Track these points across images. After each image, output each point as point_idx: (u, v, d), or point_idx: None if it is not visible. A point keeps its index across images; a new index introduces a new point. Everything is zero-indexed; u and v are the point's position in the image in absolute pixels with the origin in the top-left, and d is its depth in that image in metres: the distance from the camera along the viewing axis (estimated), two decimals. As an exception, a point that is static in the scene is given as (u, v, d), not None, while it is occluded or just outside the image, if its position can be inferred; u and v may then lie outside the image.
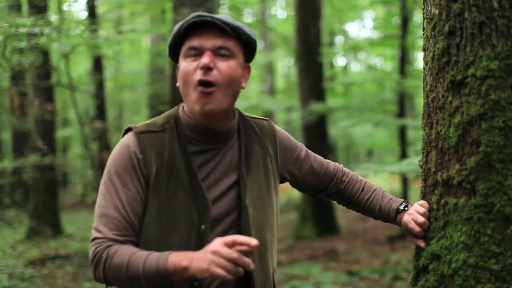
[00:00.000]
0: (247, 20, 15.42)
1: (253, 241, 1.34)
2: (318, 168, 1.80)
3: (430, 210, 1.65)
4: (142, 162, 1.52)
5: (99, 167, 6.54)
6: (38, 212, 8.26)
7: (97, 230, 1.50)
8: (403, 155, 8.28)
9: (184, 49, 1.56)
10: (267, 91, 17.35)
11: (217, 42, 1.52)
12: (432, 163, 1.64)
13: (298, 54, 9.02)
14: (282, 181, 1.79)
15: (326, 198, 1.87)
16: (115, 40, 6.61)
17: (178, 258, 1.40)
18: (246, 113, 1.72)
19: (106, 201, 1.51)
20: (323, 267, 6.28)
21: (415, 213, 1.65)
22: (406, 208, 1.71)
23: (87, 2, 6.77)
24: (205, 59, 1.50)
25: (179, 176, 1.54)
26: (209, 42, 1.52)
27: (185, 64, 1.54)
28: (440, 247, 1.57)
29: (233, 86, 1.54)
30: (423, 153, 1.71)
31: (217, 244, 1.37)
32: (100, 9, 11.05)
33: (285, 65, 22.80)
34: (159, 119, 1.62)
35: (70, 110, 12.60)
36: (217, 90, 1.51)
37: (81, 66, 13.03)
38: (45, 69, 7.51)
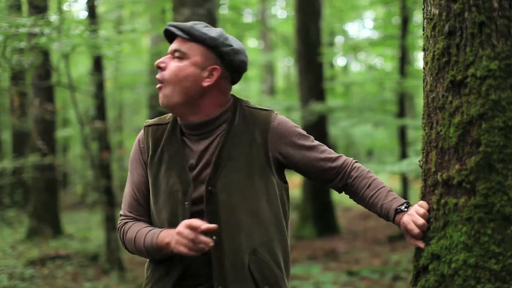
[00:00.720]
0: (247, 20, 15.43)
1: (203, 226, 1.60)
2: (323, 161, 1.82)
3: (430, 210, 1.65)
4: (142, 149, 1.85)
5: (99, 167, 6.53)
6: (38, 212, 8.25)
7: (122, 208, 1.87)
8: (403, 155, 8.28)
9: None
10: (267, 91, 17.35)
11: (174, 46, 1.79)
12: (432, 163, 1.64)
13: (298, 54, 9.02)
14: (283, 166, 1.84)
15: (337, 191, 1.90)
16: (115, 40, 6.60)
17: (164, 235, 1.70)
18: (248, 104, 1.87)
19: (127, 184, 1.88)
20: (323, 267, 6.28)
21: (414, 214, 1.64)
22: (405, 209, 1.69)
23: (87, 2, 6.75)
24: (158, 60, 1.79)
25: (170, 160, 1.79)
26: (172, 46, 1.80)
27: None
28: (440, 247, 1.57)
29: (183, 83, 1.75)
30: (423, 153, 1.71)
31: (181, 226, 1.64)
32: (100, 9, 11.04)
33: (285, 65, 22.80)
34: (169, 114, 1.89)
35: (70, 110, 12.60)
36: (164, 87, 1.77)
37: (81, 66, 13.01)
38: (45, 69, 7.50)
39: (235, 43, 1.81)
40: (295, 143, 1.81)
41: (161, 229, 1.73)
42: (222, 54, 1.77)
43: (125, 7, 11.74)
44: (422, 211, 1.63)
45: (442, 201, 1.60)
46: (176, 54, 1.77)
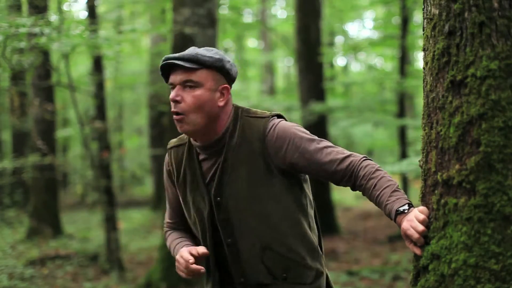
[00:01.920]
0: (247, 20, 15.43)
1: (190, 260, 1.83)
2: (329, 164, 1.83)
3: (430, 214, 1.63)
4: (170, 172, 2.03)
5: (99, 167, 6.53)
6: (38, 212, 8.25)
7: (165, 217, 2.15)
8: (403, 155, 8.28)
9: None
10: (267, 91, 17.35)
11: (183, 77, 1.83)
12: (432, 163, 1.64)
13: (298, 54, 9.02)
14: (288, 173, 1.89)
15: (352, 190, 1.92)
16: (115, 40, 6.59)
17: (179, 253, 1.92)
18: (248, 112, 1.94)
19: (166, 197, 2.10)
20: (323, 267, 6.26)
21: (414, 220, 1.61)
22: (406, 211, 1.67)
23: (87, 2, 6.75)
24: (172, 94, 1.84)
25: (192, 180, 1.95)
26: (177, 78, 1.84)
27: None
28: (440, 247, 1.57)
29: (203, 109, 1.83)
30: (423, 153, 1.71)
31: (179, 254, 1.90)
32: (100, 9, 11.03)
33: (285, 65, 22.78)
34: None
35: (70, 110, 12.60)
36: (185, 117, 1.83)
37: (81, 66, 13.01)
38: (45, 69, 7.50)
39: (227, 56, 1.92)
40: (296, 151, 1.83)
41: (184, 245, 1.96)
42: (227, 72, 1.87)
43: (125, 7, 11.74)
44: (422, 217, 1.61)
45: (442, 201, 1.60)
46: (188, 84, 1.82)
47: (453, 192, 1.57)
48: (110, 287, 5.61)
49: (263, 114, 1.92)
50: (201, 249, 1.86)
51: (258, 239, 1.89)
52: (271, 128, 1.87)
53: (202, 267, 1.85)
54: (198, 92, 1.82)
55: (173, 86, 1.85)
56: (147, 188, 15.63)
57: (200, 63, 1.82)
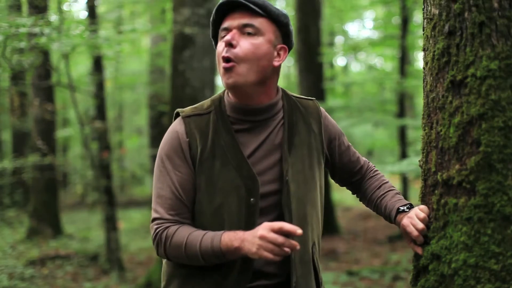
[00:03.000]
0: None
1: (298, 230, 1.45)
2: (356, 163, 1.87)
3: (430, 213, 1.64)
4: (188, 144, 1.64)
5: (99, 167, 6.53)
6: (38, 212, 8.25)
7: (156, 211, 1.64)
8: (403, 155, 8.27)
9: (219, 33, 1.68)
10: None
11: (243, 20, 1.61)
12: (432, 163, 1.64)
13: (298, 54, 9.02)
14: (326, 162, 1.84)
15: (350, 190, 1.95)
16: (115, 40, 6.60)
17: (230, 239, 1.53)
18: (291, 93, 1.80)
19: (160, 183, 1.64)
20: (323, 267, 6.27)
21: (414, 217, 1.63)
22: (407, 210, 1.70)
23: (87, 2, 6.75)
24: (227, 36, 1.60)
25: (224, 153, 1.63)
26: (235, 21, 1.62)
27: (218, 45, 1.66)
28: (440, 247, 1.57)
29: (259, 62, 1.61)
30: (423, 153, 1.71)
31: (264, 229, 1.48)
32: (100, 9, 11.03)
33: (285, 65, 22.78)
34: (205, 102, 1.73)
35: (70, 110, 12.59)
36: (237, 65, 1.60)
37: (81, 66, 13.01)
38: (45, 69, 7.50)
39: None
40: (339, 142, 1.84)
41: (221, 232, 1.56)
42: (288, 34, 1.69)
43: (125, 7, 11.73)
44: (422, 215, 1.62)
45: (442, 201, 1.60)
46: (248, 29, 1.61)
47: (453, 192, 1.57)
48: (110, 287, 5.61)
49: (306, 97, 1.80)
50: (299, 230, 1.47)
51: (311, 231, 1.70)
52: (322, 112, 1.80)
53: (297, 243, 1.50)
54: (258, 40, 1.61)
55: (227, 32, 1.63)
56: (147, 188, 15.62)
57: (267, 11, 1.62)
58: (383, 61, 17.32)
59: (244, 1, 1.60)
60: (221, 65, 1.62)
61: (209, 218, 1.63)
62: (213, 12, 1.66)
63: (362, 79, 15.28)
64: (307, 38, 8.84)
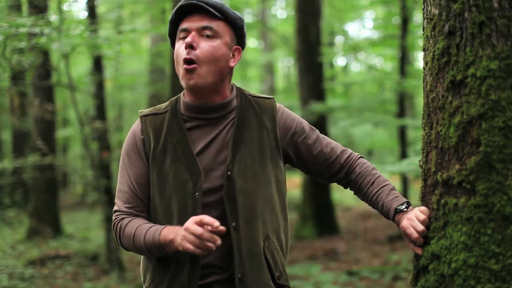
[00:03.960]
0: (247, 20, 15.41)
1: (215, 223, 1.51)
2: (328, 154, 1.83)
3: (430, 214, 1.64)
4: (142, 141, 1.76)
5: (99, 167, 6.53)
6: (38, 212, 8.25)
7: (116, 204, 1.77)
8: (403, 155, 8.27)
9: (178, 33, 1.76)
10: (267, 91, 17.35)
11: (202, 23, 1.70)
12: (432, 163, 1.64)
13: (298, 54, 9.02)
14: (288, 160, 1.84)
15: (342, 186, 1.90)
16: (115, 40, 6.60)
17: (168, 232, 1.61)
18: (248, 92, 1.85)
19: (120, 178, 1.77)
20: (323, 267, 6.27)
21: (414, 219, 1.62)
22: (405, 209, 1.68)
23: (87, 2, 6.75)
24: (188, 39, 1.68)
25: (175, 149, 1.72)
26: (195, 23, 1.70)
27: (177, 46, 1.75)
28: (440, 247, 1.57)
29: (217, 64, 1.70)
30: (423, 153, 1.71)
31: (189, 221, 1.55)
32: (100, 9, 11.03)
33: (285, 65, 22.80)
34: (165, 103, 1.84)
35: (70, 110, 12.59)
36: (199, 67, 1.68)
37: (81, 66, 13.01)
38: (45, 69, 7.50)
39: None
40: (302, 135, 1.82)
41: (163, 226, 1.64)
42: (241, 35, 1.79)
43: (125, 7, 11.74)
44: (422, 217, 1.61)
45: (442, 201, 1.60)
46: (207, 32, 1.70)
47: (453, 192, 1.57)
48: (110, 287, 5.61)
49: (264, 96, 1.86)
50: (216, 222, 1.53)
51: (262, 225, 1.73)
52: (279, 109, 1.83)
53: (219, 238, 1.54)
54: (216, 43, 1.70)
55: (187, 33, 1.71)
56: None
57: (224, 14, 1.72)
58: (383, 61, 17.33)
59: (203, 4, 1.69)
60: (181, 66, 1.70)
61: (161, 212, 1.72)
62: (173, 12, 1.74)
63: (362, 79, 15.29)
64: (307, 38, 8.84)
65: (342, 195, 12.58)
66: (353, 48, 12.44)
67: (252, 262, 1.70)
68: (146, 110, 1.82)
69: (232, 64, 1.76)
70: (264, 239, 1.73)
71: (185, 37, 1.71)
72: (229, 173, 1.70)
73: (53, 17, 6.73)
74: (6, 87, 7.32)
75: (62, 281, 5.76)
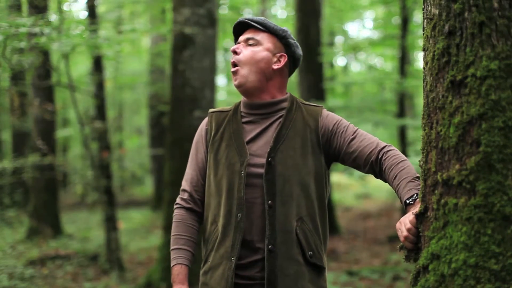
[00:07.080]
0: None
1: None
2: (363, 150, 1.98)
3: (428, 211, 1.64)
4: (205, 131, 2.14)
5: (99, 167, 6.52)
6: (38, 212, 8.25)
7: (182, 184, 2.15)
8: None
9: None
10: (267, 91, 17.31)
11: (247, 35, 2.10)
12: (432, 163, 1.64)
13: (298, 54, 9.01)
14: (328, 155, 2.05)
15: (374, 176, 2.04)
16: (115, 40, 6.60)
17: (175, 276, 2.03)
18: (301, 100, 2.14)
19: (189, 163, 2.15)
20: (323, 267, 6.26)
21: (405, 223, 1.72)
22: (412, 202, 1.77)
23: (87, 2, 6.74)
24: (233, 47, 2.09)
25: (231, 137, 2.06)
26: (244, 36, 2.11)
27: None
28: (440, 247, 1.57)
29: (257, 65, 2.04)
30: (423, 153, 1.71)
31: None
32: (100, 9, 11.02)
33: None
34: (234, 104, 2.19)
35: (70, 110, 12.60)
36: (240, 69, 2.05)
37: (81, 66, 13.01)
38: (45, 69, 7.49)
39: (294, 39, 2.13)
40: (342, 130, 2.03)
41: (178, 260, 2.04)
42: (288, 45, 2.10)
43: (125, 7, 11.73)
44: (408, 226, 1.71)
45: (442, 201, 1.60)
46: (250, 42, 2.07)
47: (453, 192, 1.57)
48: (110, 287, 5.61)
49: (315, 104, 2.14)
50: None
51: (296, 207, 1.97)
52: (323, 113, 2.09)
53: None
54: (256, 48, 2.06)
55: (238, 44, 2.09)
56: (147, 188, 15.63)
57: (265, 27, 2.08)
58: (383, 61, 17.33)
59: (247, 21, 2.09)
60: (231, 70, 2.09)
61: (213, 189, 2.04)
62: (232, 30, 2.16)
63: (362, 79, 15.28)
64: (307, 38, 8.84)
65: (342, 195, 12.58)
66: (353, 48, 12.45)
67: (283, 237, 1.94)
68: (215, 109, 2.19)
69: (275, 66, 2.06)
70: (297, 220, 1.97)
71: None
72: (269, 159, 1.98)
73: (53, 17, 6.73)
74: (6, 87, 7.32)
75: (62, 281, 5.76)
